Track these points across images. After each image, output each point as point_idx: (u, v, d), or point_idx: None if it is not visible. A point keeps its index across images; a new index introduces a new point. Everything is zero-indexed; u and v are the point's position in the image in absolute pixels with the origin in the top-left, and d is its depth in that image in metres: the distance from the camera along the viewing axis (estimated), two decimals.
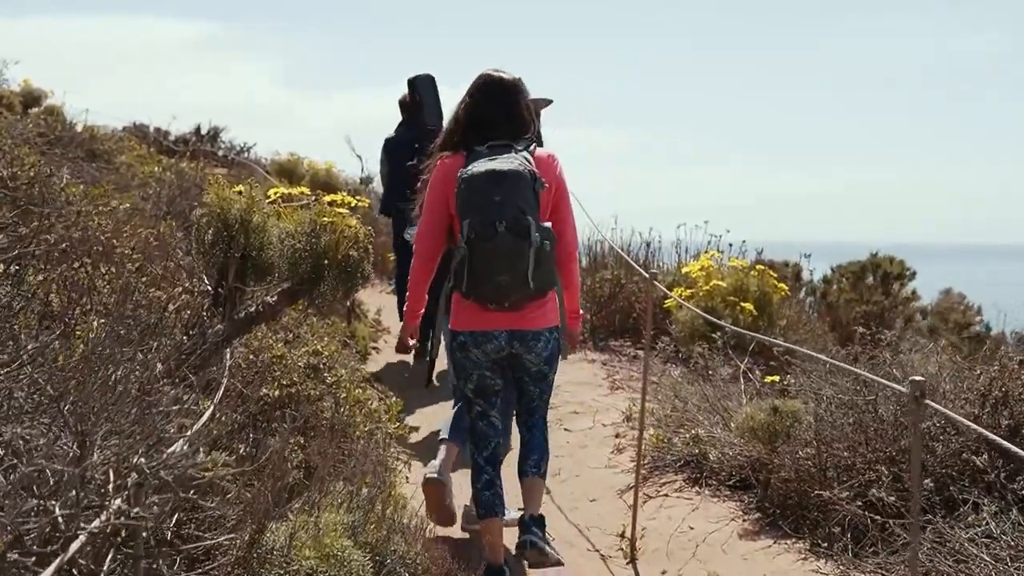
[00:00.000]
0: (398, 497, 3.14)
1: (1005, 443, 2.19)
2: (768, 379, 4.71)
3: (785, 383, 4.84)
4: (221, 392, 2.77)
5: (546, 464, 3.76)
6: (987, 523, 3.56)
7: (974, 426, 2.48)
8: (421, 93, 6.84)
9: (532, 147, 3.61)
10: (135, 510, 1.75)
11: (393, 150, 7.23)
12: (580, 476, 5.08)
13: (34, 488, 1.70)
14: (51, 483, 1.71)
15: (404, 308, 3.88)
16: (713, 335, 5.93)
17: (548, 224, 3.51)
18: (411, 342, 3.91)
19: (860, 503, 3.73)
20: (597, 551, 4.22)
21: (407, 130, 7.24)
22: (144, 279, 3.39)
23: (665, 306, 7.06)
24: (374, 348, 7.85)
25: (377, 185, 12.64)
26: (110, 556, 1.81)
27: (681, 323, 6.97)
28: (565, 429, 5.91)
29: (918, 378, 2.30)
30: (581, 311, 3.91)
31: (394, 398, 5.54)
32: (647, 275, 4.28)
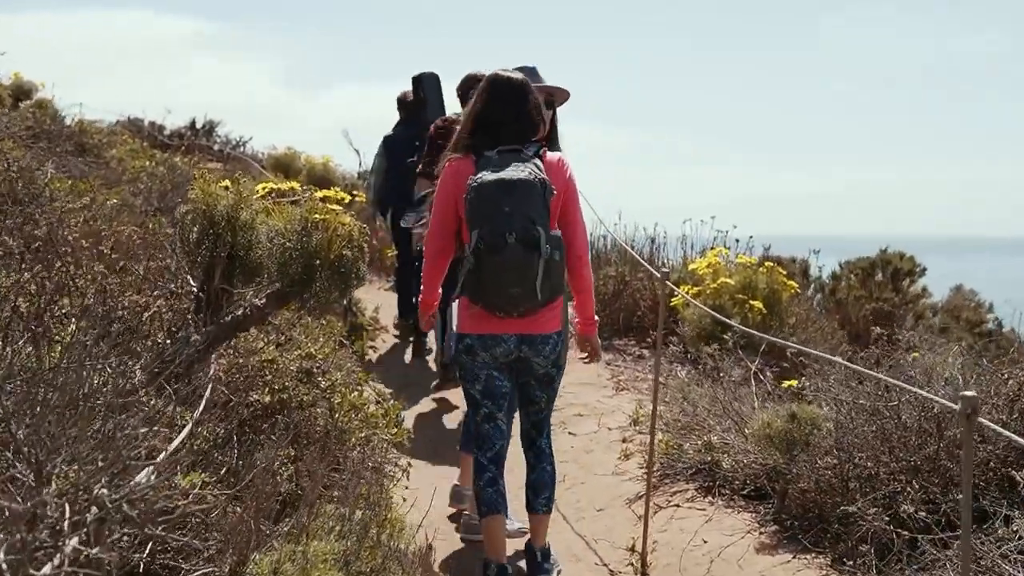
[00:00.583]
0: (395, 520, 2.92)
1: None
2: (786, 383, 4.49)
3: (801, 386, 4.62)
4: (203, 405, 2.55)
5: (554, 495, 3.81)
6: (1021, 538, 3.36)
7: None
8: (426, 91, 6.82)
9: (542, 151, 3.54)
10: (95, 551, 1.54)
11: (393, 147, 7.21)
12: (586, 483, 4.87)
13: None
14: None
15: (419, 300, 3.88)
16: (723, 335, 5.72)
17: (558, 232, 3.46)
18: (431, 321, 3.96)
19: (885, 515, 3.51)
20: (605, 566, 4.02)
21: (406, 128, 7.27)
22: (121, 281, 3.17)
23: (672, 304, 6.85)
24: (372, 347, 7.64)
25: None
26: None
27: (689, 322, 6.76)
28: (570, 433, 5.70)
29: (970, 394, 2.09)
30: (596, 317, 3.81)
31: (392, 401, 5.33)
32: (658, 274, 4.05)
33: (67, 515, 1.57)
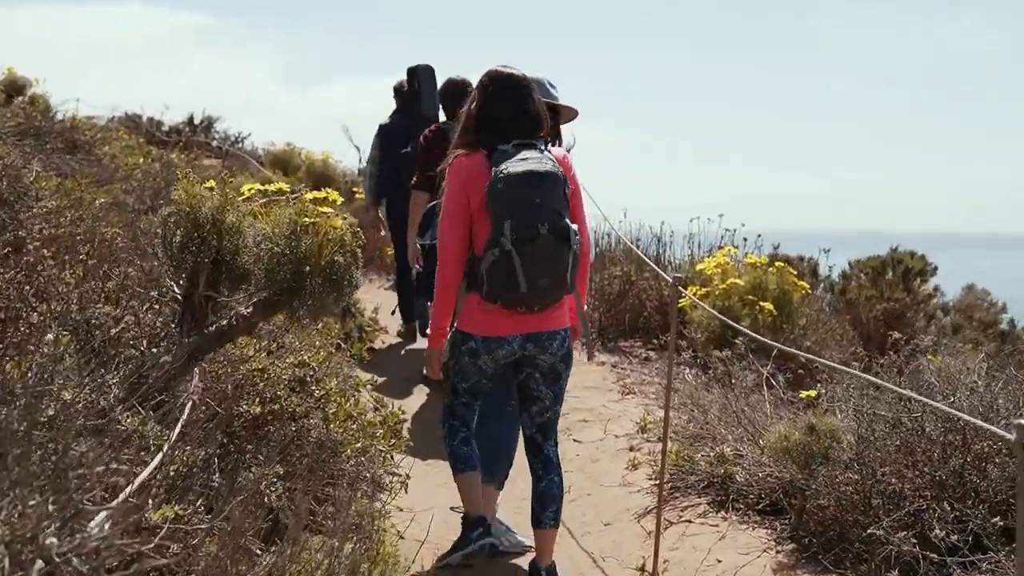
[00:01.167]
0: (387, 556, 2.71)
1: None
2: (804, 394, 4.28)
3: (817, 394, 4.41)
4: (178, 427, 2.35)
5: (561, 508, 3.69)
6: None
7: None
8: (420, 82, 6.80)
9: (549, 146, 3.50)
10: None
11: (388, 136, 7.21)
12: (592, 495, 4.67)
13: None
14: None
15: (430, 323, 3.66)
16: (734, 339, 5.51)
17: (576, 226, 3.43)
18: (439, 374, 3.74)
19: (911, 535, 3.30)
20: None
21: (402, 117, 7.28)
22: (99, 289, 2.96)
23: (680, 306, 6.64)
24: (371, 350, 7.44)
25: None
26: None
27: (696, 324, 6.56)
28: (575, 440, 5.50)
29: None
30: (587, 308, 3.77)
31: (391, 408, 5.13)
32: (670, 279, 3.85)
33: (6, 570, 1.37)
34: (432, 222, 5.65)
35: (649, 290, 7.96)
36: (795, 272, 7.05)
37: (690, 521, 4.05)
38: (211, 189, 3.09)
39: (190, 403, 2.52)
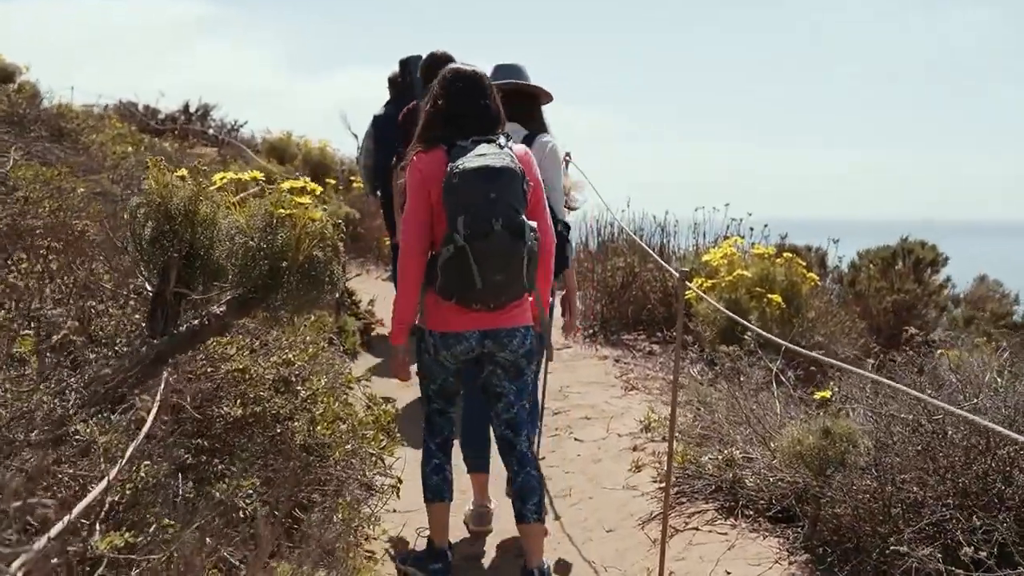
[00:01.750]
0: None
1: None
2: (819, 395, 4.05)
3: (831, 392, 4.18)
4: (143, 434, 2.14)
5: (543, 501, 3.62)
6: None
7: None
8: (413, 73, 6.63)
9: (510, 142, 3.45)
10: None
11: (381, 126, 7.09)
12: (594, 499, 4.45)
13: None
14: None
15: (392, 320, 3.58)
16: (742, 335, 5.29)
17: (534, 223, 3.39)
18: (408, 370, 3.71)
19: (937, 553, 3.08)
20: None
21: (396, 108, 7.13)
22: (59, 285, 2.74)
23: (685, 297, 6.42)
24: (366, 344, 7.23)
25: None
26: None
27: (703, 317, 6.34)
28: (576, 439, 5.29)
29: None
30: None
31: (385, 405, 4.92)
32: (677, 274, 3.63)
33: None
34: None
35: (653, 281, 7.75)
36: (804, 263, 6.82)
37: (697, 528, 3.83)
38: (183, 178, 2.87)
39: (154, 410, 2.31)
